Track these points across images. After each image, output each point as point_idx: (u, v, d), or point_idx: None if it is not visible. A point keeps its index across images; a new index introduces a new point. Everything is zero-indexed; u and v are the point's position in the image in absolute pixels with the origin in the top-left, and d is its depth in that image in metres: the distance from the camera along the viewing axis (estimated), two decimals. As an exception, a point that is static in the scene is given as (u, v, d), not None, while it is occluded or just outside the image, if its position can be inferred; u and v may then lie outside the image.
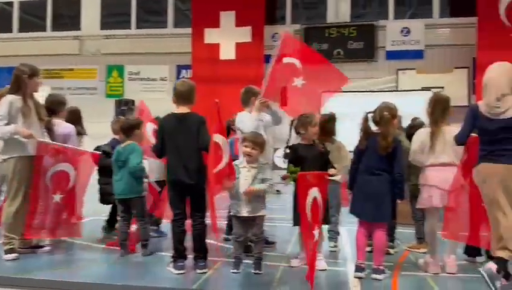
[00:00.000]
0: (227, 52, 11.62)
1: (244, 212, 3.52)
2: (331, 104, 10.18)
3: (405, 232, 4.85)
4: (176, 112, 3.59)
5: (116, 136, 4.82)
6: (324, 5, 12.07)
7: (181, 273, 3.48)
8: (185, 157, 3.45)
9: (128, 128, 4.17)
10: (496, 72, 3.16)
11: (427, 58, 11.20)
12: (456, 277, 3.54)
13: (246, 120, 4.10)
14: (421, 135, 3.72)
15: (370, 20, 11.81)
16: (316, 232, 3.18)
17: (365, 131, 3.48)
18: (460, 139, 3.34)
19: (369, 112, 3.50)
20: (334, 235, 4.42)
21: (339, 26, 11.68)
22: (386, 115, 3.39)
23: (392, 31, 11.38)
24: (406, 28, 11.28)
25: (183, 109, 3.56)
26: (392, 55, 11.38)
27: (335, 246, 4.40)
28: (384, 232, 3.48)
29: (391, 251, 4.30)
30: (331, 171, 3.61)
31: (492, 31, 10.09)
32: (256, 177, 3.51)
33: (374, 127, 3.50)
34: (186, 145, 3.46)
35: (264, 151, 3.67)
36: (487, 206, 3.19)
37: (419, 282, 3.49)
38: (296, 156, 3.73)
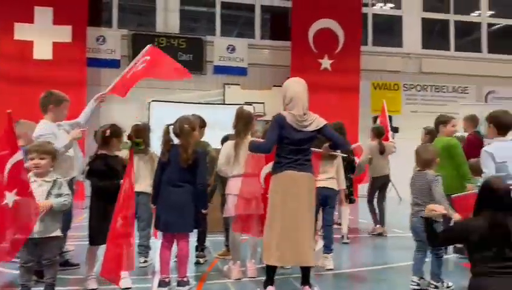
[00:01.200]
0: (43, 52, 10.40)
1: (35, 233, 3.09)
2: (160, 113, 10.12)
3: (218, 240, 5.00)
4: None
5: None
6: (153, 13, 11.93)
7: None
8: None
9: None
10: (301, 88, 3.42)
11: (250, 75, 12.06)
12: (255, 281, 3.77)
13: (38, 130, 3.67)
14: (227, 147, 3.91)
15: (199, 34, 12.17)
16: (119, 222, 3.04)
17: (166, 143, 3.46)
18: (266, 147, 3.38)
19: (170, 124, 3.50)
20: (144, 250, 4.27)
21: (168, 36, 11.69)
22: (186, 128, 3.43)
23: (219, 47, 11.92)
24: (232, 45, 11.96)
25: None
26: (219, 70, 11.90)
27: (145, 261, 4.25)
28: (188, 243, 3.50)
29: (201, 260, 4.38)
30: None
31: (303, 55, 11.48)
32: (51, 192, 3.13)
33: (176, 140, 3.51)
34: None
35: (55, 159, 3.28)
36: (271, 211, 3.31)
37: (221, 289, 3.62)
38: (109, 167, 3.51)
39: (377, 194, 6.45)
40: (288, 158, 3.30)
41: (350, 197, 5.94)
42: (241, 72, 12.00)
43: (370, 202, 6.39)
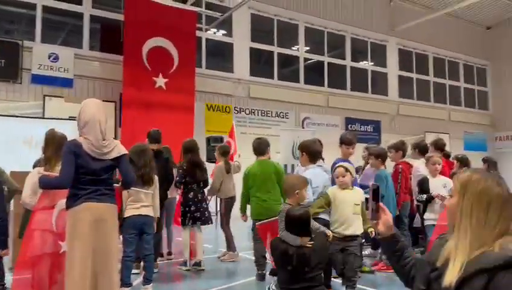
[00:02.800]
0: None
1: None
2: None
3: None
4: None
5: None
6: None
7: None
8: None
9: None
10: (98, 110, 3.08)
11: (76, 88, 11.08)
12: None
13: None
14: (34, 176, 3.42)
15: (14, 38, 10.68)
16: None
17: None
18: (63, 183, 2.94)
19: None
20: None
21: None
22: None
23: (39, 55, 10.64)
24: (55, 53, 10.82)
25: None
26: (38, 79, 10.60)
27: None
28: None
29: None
30: None
31: (135, 71, 11.10)
32: None
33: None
34: None
35: None
36: (71, 249, 2.93)
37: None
38: None
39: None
40: (86, 189, 2.93)
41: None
42: (66, 83, 10.93)
43: (227, 225, 6.24)
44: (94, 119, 3.00)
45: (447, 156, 6.85)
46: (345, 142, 5.39)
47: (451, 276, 1.36)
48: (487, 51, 20.05)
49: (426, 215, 5.08)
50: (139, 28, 11.11)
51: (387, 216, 1.83)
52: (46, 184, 3.01)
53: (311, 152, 4.42)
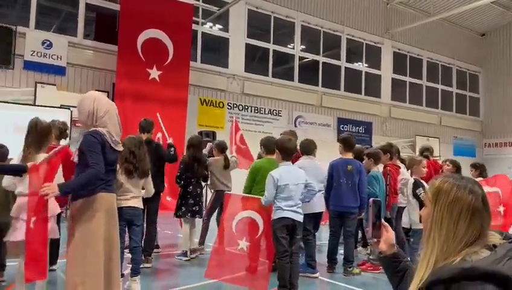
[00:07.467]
0: None
1: None
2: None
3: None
4: None
5: None
6: None
7: None
8: None
9: None
10: (111, 102, 3.15)
11: (69, 76, 10.99)
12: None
13: None
14: (15, 160, 3.43)
15: (9, 23, 10.53)
16: None
17: None
18: (103, 169, 2.89)
19: None
20: None
21: (-35, 19, 9.76)
22: None
23: (33, 41, 10.52)
24: (48, 40, 10.70)
25: None
26: (31, 66, 10.48)
27: None
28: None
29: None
30: None
31: (130, 62, 11.01)
32: None
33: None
34: None
35: None
36: (85, 241, 2.88)
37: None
38: None
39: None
40: (102, 179, 2.95)
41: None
42: (58, 71, 10.83)
43: (208, 217, 6.27)
44: (112, 110, 3.03)
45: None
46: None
47: (412, 287, 1.35)
48: (480, 57, 20.27)
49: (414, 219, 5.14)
50: (135, 18, 11.03)
51: (389, 233, 1.70)
52: (80, 184, 2.86)
53: (283, 149, 4.38)
